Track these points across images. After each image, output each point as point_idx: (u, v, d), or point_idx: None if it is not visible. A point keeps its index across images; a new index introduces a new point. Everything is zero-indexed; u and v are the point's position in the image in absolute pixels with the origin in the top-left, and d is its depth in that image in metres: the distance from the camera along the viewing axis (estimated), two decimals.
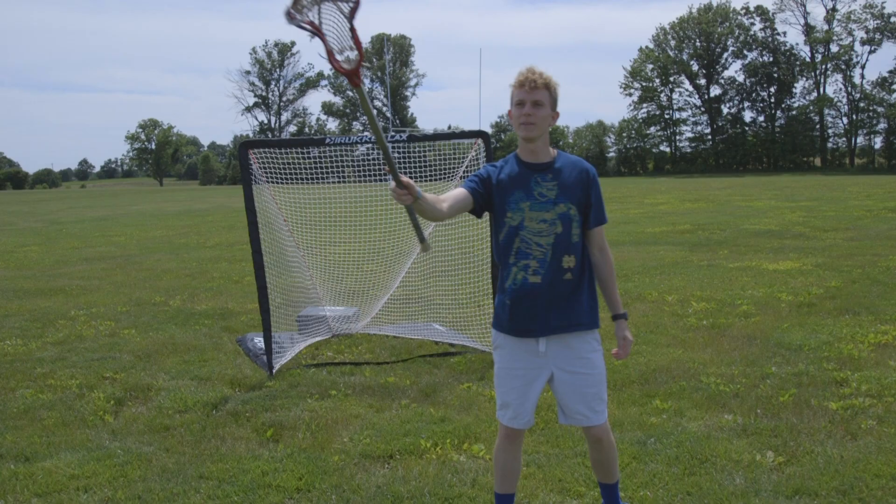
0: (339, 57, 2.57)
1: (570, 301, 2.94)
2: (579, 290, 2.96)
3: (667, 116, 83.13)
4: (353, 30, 2.54)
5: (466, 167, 6.58)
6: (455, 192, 2.89)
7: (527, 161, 2.97)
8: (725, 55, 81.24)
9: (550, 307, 2.91)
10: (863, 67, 74.10)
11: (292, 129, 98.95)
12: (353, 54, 2.58)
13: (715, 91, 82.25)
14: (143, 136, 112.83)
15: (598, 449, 3.12)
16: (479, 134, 6.21)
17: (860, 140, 75.18)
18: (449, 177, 6.80)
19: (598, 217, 3.03)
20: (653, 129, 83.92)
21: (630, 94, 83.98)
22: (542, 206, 2.90)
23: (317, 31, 2.51)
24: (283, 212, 6.65)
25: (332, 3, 2.51)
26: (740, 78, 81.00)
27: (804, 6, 76.37)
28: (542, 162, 2.96)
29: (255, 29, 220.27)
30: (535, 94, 2.86)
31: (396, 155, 7.62)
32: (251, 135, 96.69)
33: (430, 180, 7.00)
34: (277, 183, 6.37)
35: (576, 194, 2.94)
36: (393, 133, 7.54)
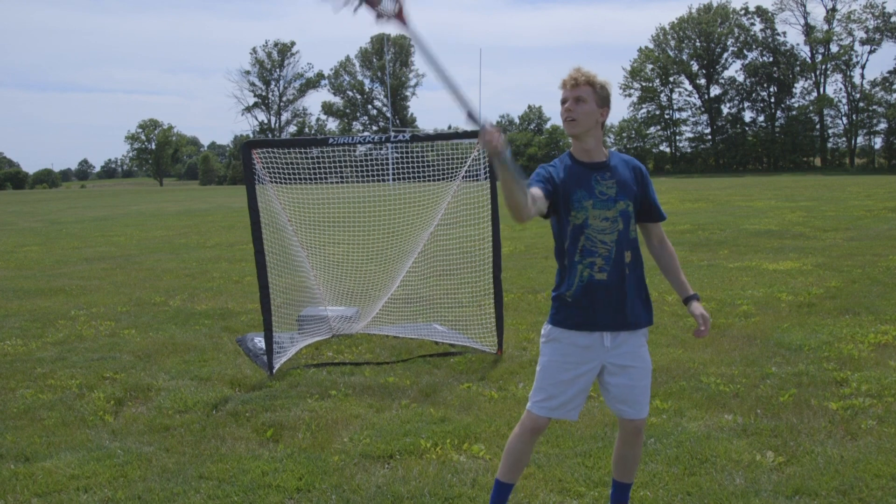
0: (383, 8, 2.67)
1: (632, 297, 3.04)
2: (639, 285, 3.08)
3: (667, 116, 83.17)
4: None
5: (468, 167, 6.58)
6: (534, 192, 2.87)
7: (583, 161, 3.02)
8: (725, 55, 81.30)
9: (617, 303, 2.99)
10: (863, 67, 74.24)
11: (292, 129, 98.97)
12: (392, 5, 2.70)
13: (715, 91, 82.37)
14: (143, 137, 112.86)
15: (631, 444, 3.14)
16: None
17: (860, 140, 75.26)
18: (450, 177, 6.80)
19: (659, 212, 3.15)
20: (653, 129, 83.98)
21: (630, 95, 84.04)
22: (604, 205, 2.96)
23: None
24: (287, 211, 6.66)
25: None
26: (740, 78, 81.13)
27: (804, 6, 76.43)
28: (598, 161, 3.01)
29: (255, 29, 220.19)
30: (576, 90, 2.92)
31: (397, 155, 7.63)
32: (251, 135, 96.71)
33: (432, 180, 7.00)
34: (280, 183, 6.38)
35: (632, 191, 3.02)
36: (394, 133, 7.53)
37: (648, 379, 3.10)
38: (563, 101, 2.96)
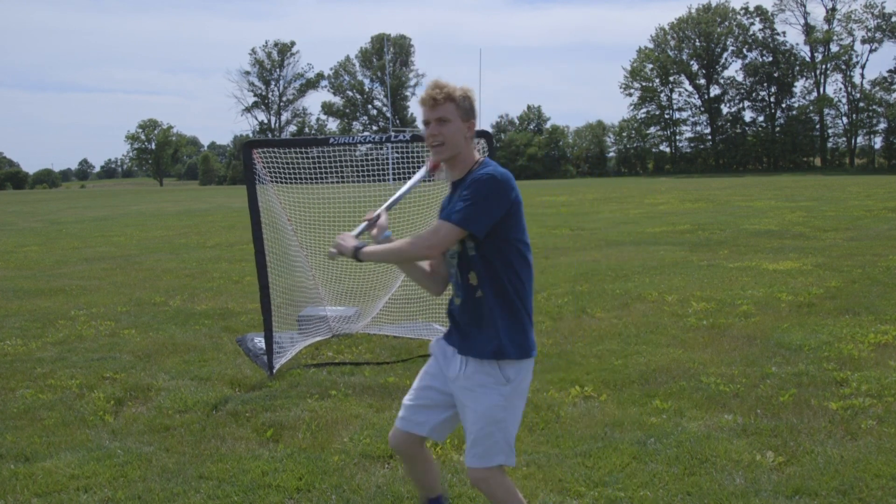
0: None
1: (480, 324, 2.71)
2: (485, 312, 2.69)
3: (667, 116, 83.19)
4: None
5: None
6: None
7: (453, 181, 2.82)
8: (725, 55, 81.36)
9: (468, 327, 2.74)
10: (863, 67, 74.30)
11: (292, 129, 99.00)
12: None
13: (715, 91, 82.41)
14: (143, 137, 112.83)
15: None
16: (482, 134, 6.20)
17: (860, 140, 75.29)
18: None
19: (448, 212, 2.68)
20: (653, 129, 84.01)
21: (630, 95, 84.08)
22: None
23: None
24: (287, 211, 6.66)
25: None
26: (740, 78, 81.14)
27: (804, 6, 76.47)
28: (458, 179, 2.76)
29: (255, 29, 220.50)
30: (437, 110, 2.66)
31: (397, 155, 7.62)
32: (251, 135, 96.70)
33: (432, 180, 6.97)
34: (279, 182, 6.37)
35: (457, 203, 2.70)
36: (394, 133, 7.53)
37: (477, 426, 2.68)
38: (426, 123, 2.69)
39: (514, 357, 2.66)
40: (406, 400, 2.93)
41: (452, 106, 2.68)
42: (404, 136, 6.31)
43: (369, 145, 6.27)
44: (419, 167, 6.99)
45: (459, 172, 2.76)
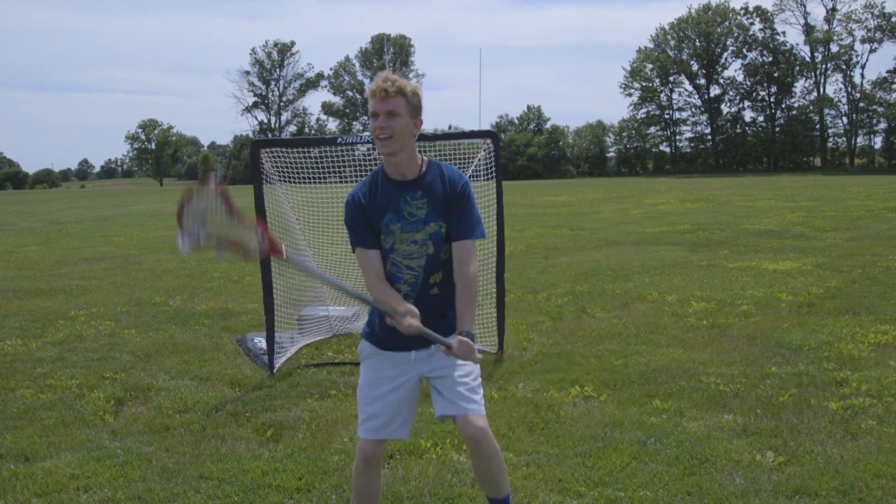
0: (248, 247, 2.55)
1: (434, 318, 2.77)
2: (445, 304, 2.81)
3: (667, 116, 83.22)
4: (234, 214, 2.51)
5: (475, 168, 6.57)
6: (375, 264, 2.78)
7: (394, 179, 2.77)
8: (725, 55, 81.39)
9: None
10: (863, 67, 74.33)
11: (292, 129, 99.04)
12: (259, 243, 2.57)
13: (715, 91, 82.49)
14: (142, 136, 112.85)
15: (476, 454, 2.81)
16: (489, 134, 6.19)
17: (860, 140, 75.29)
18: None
19: (459, 231, 2.76)
20: (653, 129, 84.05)
21: (630, 94, 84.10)
22: (412, 227, 2.74)
23: (222, 243, 2.53)
24: (295, 211, 6.67)
25: (208, 211, 2.49)
26: (740, 78, 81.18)
27: (804, 6, 76.52)
28: (410, 179, 2.76)
29: (255, 29, 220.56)
30: (387, 103, 2.65)
31: None
32: (251, 135, 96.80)
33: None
34: (286, 182, 6.38)
35: (444, 210, 2.75)
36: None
37: (470, 378, 2.83)
38: (374, 115, 2.68)
39: None
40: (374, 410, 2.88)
41: (403, 100, 2.68)
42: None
43: (369, 145, 6.27)
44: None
45: (408, 170, 2.77)
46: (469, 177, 6.61)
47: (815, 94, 76.95)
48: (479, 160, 6.47)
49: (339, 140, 5.99)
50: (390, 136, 2.67)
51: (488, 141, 6.19)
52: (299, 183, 6.53)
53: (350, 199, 2.80)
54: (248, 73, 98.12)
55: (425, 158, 2.82)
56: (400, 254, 2.77)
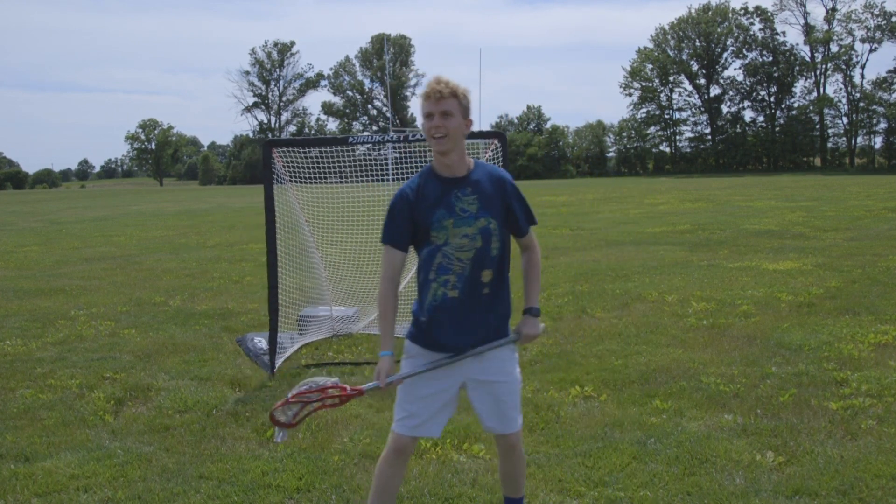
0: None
1: (485, 316, 2.91)
2: (497, 304, 2.95)
3: (666, 116, 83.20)
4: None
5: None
6: (396, 267, 2.92)
7: (444, 176, 2.89)
8: (725, 55, 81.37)
9: (467, 323, 2.88)
10: (863, 67, 74.32)
11: (292, 129, 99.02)
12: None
13: (715, 91, 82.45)
14: (142, 136, 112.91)
15: (508, 459, 3.07)
16: (496, 134, 6.18)
17: (860, 140, 75.27)
18: None
19: (520, 229, 3.00)
20: (652, 129, 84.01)
21: (630, 94, 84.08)
22: (464, 222, 2.84)
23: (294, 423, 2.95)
24: (304, 211, 6.68)
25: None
26: (740, 78, 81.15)
27: (804, 6, 76.53)
28: (459, 176, 2.88)
29: (255, 29, 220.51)
30: (442, 104, 2.79)
31: (396, 155, 7.62)
32: (251, 135, 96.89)
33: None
34: (295, 182, 6.39)
35: (496, 206, 2.89)
36: (406, 132, 7.52)
37: (516, 394, 3.00)
38: (429, 116, 2.81)
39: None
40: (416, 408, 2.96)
41: (456, 102, 2.81)
42: (421, 136, 6.27)
43: (367, 145, 6.27)
44: (418, 167, 6.99)
45: (458, 168, 2.89)
46: None
47: (815, 94, 76.97)
48: (487, 161, 6.47)
49: (351, 139, 6.01)
50: (445, 135, 2.80)
51: (495, 142, 6.18)
52: (308, 183, 6.54)
53: (399, 194, 2.89)
54: (248, 73, 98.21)
55: (471, 158, 2.96)
56: (452, 247, 2.86)
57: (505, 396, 2.95)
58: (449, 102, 2.79)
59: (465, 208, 2.85)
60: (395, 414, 2.98)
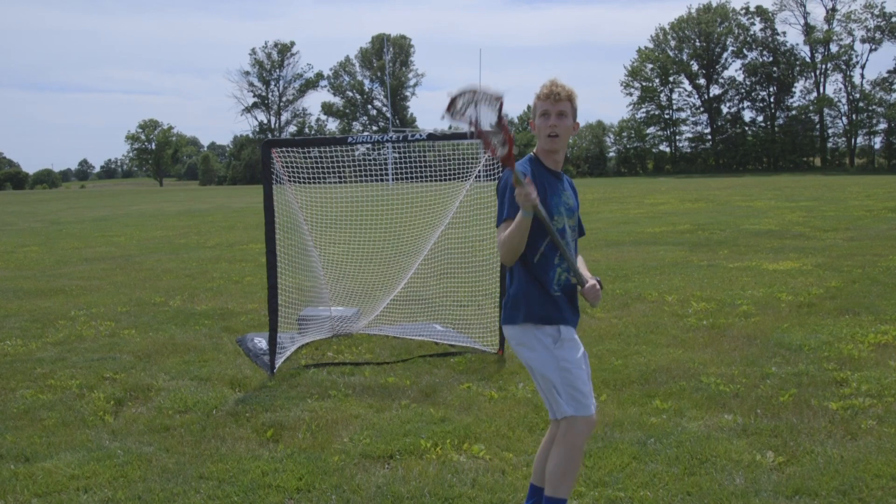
0: (495, 146, 2.88)
1: (574, 300, 3.12)
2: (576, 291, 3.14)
3: (666, 116, 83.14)
4: (501, 123, 2.81)
5: (482, 167, 6.56)
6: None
7: (552, 169, 3.08)
8: (725, 55, 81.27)
9: (573, 304, 3.09)
10: (863, 67, 74.22)
11: (292, 129, 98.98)
12: (502, 147, 2.86)
13: (714, 91, 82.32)
14: (142, 137, 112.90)
15: (552, 446, 3.18)
16: None
17: (860, 140, 75.22)
18: (463, 177, 6.79)
19: (583, 229, 3.32)
20: (652, 129, 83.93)
21: (630, 94, 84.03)
22: (569, 213, 3.07)
23: (476, 129, 2.80)
24: (303, 211, 6.68)
25: (483, 103, 2.80)
26: (740, 78, 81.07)
27: (804, 6, 76.41)
28: (560, 172, 3.12)
29: (254, 29, 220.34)
30: (559, 105, 2.96)
31: (396, 155, 7.62)
32: (251, 135, 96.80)
33: (445, 180, 6.96)
34: (294, 182, 6.40)
35: (578, 207, 3.19)
36: (406, 132, 7.53)
37: (549, 388, 3.05)
38: (545, 114, 2.98)
39: None
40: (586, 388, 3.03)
41: (569, 105, 3.01)
42: (423, 136, 6.27)
43: (368, 145, 6.27)
44: (418, 167, 7.01)
45: (559, 165, 3.10)
46: (475, 176, 6.64)
47: (814, 94, 76.87)
48: (487, 160, 6.47)
49: (350, 139, 6.01)
50: (558, 134, 2.98)
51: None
52: (304, 183, 6.54)
53: (520, 167, 2.95)
54: (247, 73, 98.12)
55: None
56: (569, 236, 3.05)
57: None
58: (564, 104, 2.97)
59: (567, 202, 3.06)
60: (571, 399, 2.95)
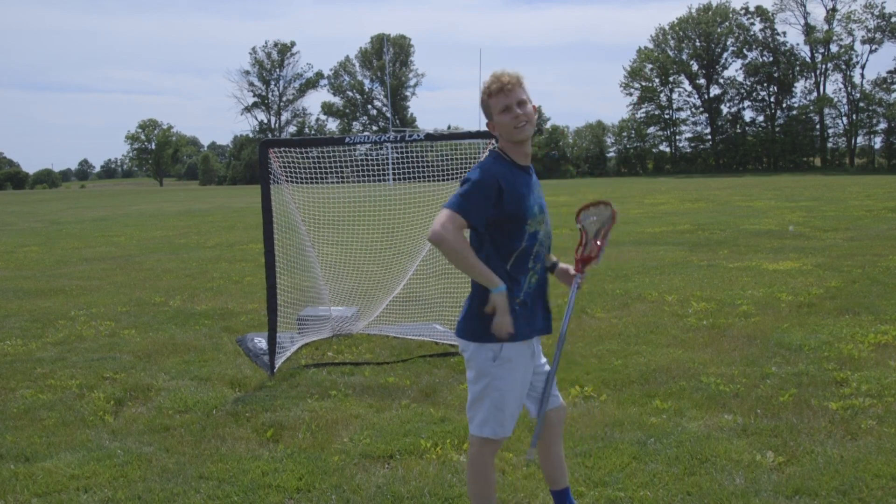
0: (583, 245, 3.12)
1: (546, 300, 3.07)
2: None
3: (666, 116, 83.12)
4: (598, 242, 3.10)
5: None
6: (463, 238, 2.81)
7: (522, 164, 2.91)
8: (725, 55, 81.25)
9: (539, 306, 2.99)
10: (863, 67, 74.18)
11: (292, 129, 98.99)
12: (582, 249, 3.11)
13: (715, 91, 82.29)
14: (142, 137, 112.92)
15: (559, 437, 3.22)
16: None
17: (860, 140, 75.20)
18: (452, 177, 6.79)
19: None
20: (652, 129, 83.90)
21: (630, 94, 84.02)
22: (542, 212, 2.93)
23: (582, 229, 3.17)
24: (301, 211, 6.68)
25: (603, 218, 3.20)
26: (740, 78, 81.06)
27: (804, 6, 76.39)
28: (528, 164, 2.97)
29: (254, 29, 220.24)
30: (515, 94, 2.82)
31: (396, 155, 7.62)
32: (251, 135, 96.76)
33: (444, 180, 6.96)
34: (291, 182, 6.40)
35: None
36: (409, 133, 7.53)
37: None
38: (506, 109, 2.81)
39: None
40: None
41: (523, 90, 2.87)
42: (420, 136, 6.27)
43: (368, 145, 6.27)
44: (418, 167, 7.01)
45: (527, 158, 2.95)
46: None
47: (815, 94, 76.84)
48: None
49: (347, 140, 6.01)
50: (528, 121, 2.85)
51: (492, 142, 6.19)
52: (304, 183, 6.54)
53: (488, 176, 2.77)
54: (247, 73, 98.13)
55: None
56: (544, 234, 2.93)
57: (551, 374, 3.12)
58: (520, 91, 2.83)
59: (539, 200, 2.92)
60: (493, 420, 2.87)
